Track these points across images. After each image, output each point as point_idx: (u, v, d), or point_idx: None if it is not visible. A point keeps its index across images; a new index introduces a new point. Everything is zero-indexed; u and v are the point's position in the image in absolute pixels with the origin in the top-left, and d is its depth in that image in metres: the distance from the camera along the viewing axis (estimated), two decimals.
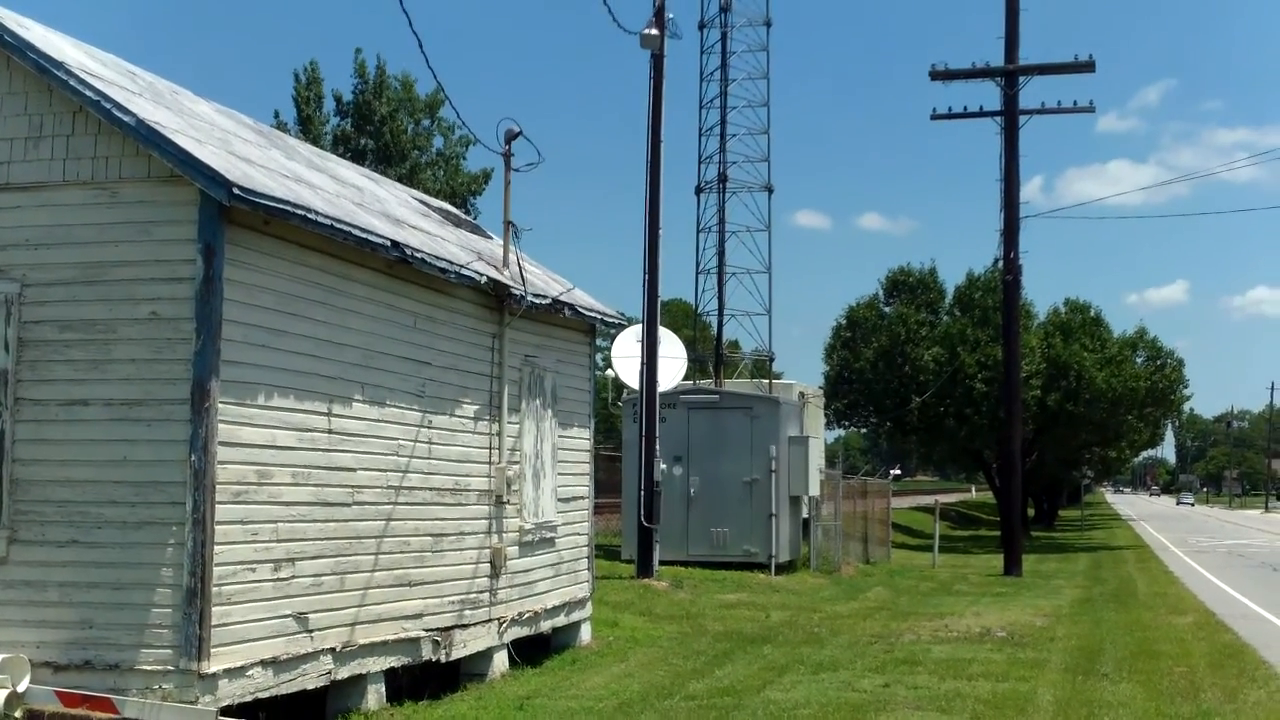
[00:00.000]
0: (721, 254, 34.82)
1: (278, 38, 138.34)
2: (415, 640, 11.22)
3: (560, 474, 14.25)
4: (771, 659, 14.14)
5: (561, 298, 14.02)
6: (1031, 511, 68.32)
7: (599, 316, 15.13)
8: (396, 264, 10.84)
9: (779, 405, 26.21)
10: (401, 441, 11.10)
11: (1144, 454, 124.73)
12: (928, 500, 63.33)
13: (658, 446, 21.78)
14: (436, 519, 11.64)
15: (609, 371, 26.26)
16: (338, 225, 9.82)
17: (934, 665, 13.56)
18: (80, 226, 9.02)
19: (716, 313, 35.14)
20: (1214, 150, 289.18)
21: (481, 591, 12.41)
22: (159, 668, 8.53)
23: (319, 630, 9.84)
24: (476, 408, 12.42)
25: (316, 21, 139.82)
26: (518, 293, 12.83)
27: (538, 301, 13.22)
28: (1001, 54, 30.04)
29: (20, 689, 8.44)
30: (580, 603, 14.95)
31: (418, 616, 11.28)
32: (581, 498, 15.00)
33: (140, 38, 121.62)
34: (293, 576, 9.57)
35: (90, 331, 8.91)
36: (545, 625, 13.99)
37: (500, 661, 12.80)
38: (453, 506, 11.94)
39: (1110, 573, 31.43)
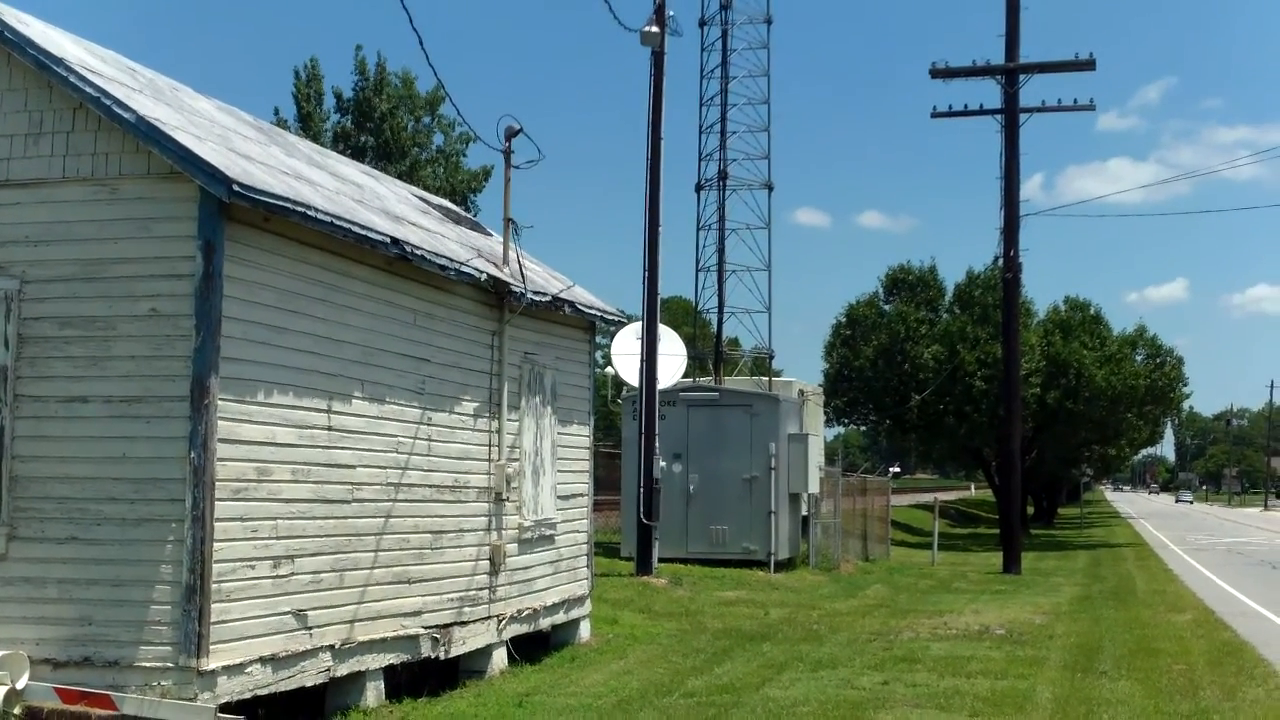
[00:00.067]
0: (721, 251, 34.77)
1: (278, 35, 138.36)
2: (414, 637, 11.22)
3: (560, 471, 14.26)
4: (770, 656, 14.14)
5: (561, 295, 14.02)
6: (1031, 509, 68.30)
7: (599, 314, 15.13)
8: (396, 261, 10.84)
9: (778, 403, 26.21)
10: (401, 439, 11.10)
11: (1143, 452, 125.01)
12: (927, 498, 63.34)
13: (657, 444, 21.79)
14: (436, 516, 11.65)
15: (609, 369, 26.29)
16: (337, 222, 9.82)
17: (933, 663, 13.57)
18: (80, 223, 9.01)
19: (716, 310, 35.08)
20: (1214, 148, 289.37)
21: (481, 589, 12.42)
22: (158, 664, 8.53)
23: (318, 627, 9.84)
24: (476, 405, 12.42)
25: (317, 18, 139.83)
26: (518, 290, 12.83)
27: (538, 299, 13.22)
28: (1002, 52, 30.03)
29: (19, 686, 8.44)
30: (579, 600, 14.96)
31: (417, 614, 11.28)
32: (581, 495, 15.01)
33: (140, 35, 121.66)
34: (292, 574, 9.57)
35: (90, 328, 8.91)
36: (544, 622, 13.99)
37: (499, 659, 12.81)
38: (452, 504, 11.94)
39: (1109, 570, 31.45)
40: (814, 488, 26.72)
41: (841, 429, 69.88)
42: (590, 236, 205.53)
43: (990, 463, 52.23)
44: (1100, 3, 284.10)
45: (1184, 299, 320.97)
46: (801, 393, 30.63)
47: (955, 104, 31.41)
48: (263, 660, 9.19)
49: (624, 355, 23.76)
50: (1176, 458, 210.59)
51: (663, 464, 22.47)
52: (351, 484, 10.36)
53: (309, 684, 9.80)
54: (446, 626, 11.74)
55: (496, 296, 12.71)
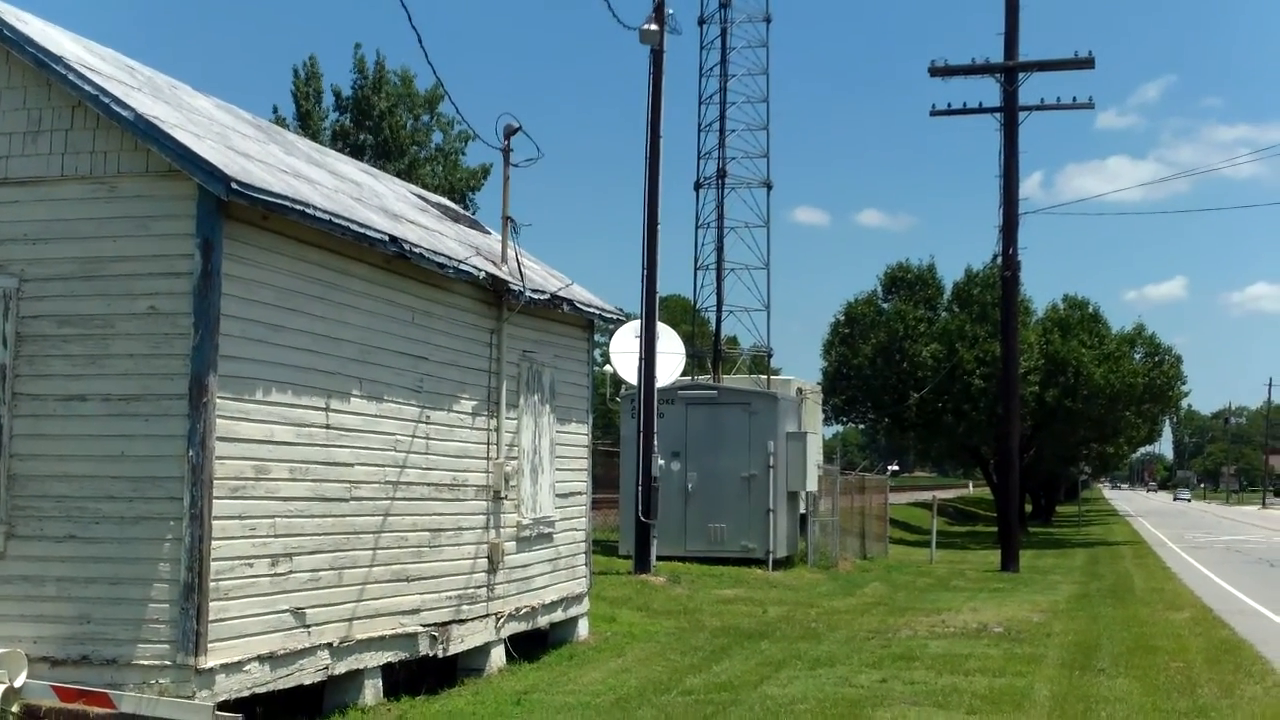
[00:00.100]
0: (720, 250, 34.76)
1: (277, 33, 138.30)
2: (413, 635, 11.22)
3: (558, 469, 14.26)
4: (769, 654, 14.15)
5: (560, 293, 14.02)
6: (1029, 507, 68.38)
7: (597, 312, 15.14)
8: (395, 259, 10.84)
9: (777, 401, 26.22)
10: (399, 437, 11.10)
11: (1142, 450, 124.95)
12: (925, 496, 63.40)
13: (656, 442, 21.79)
14: (434, 514, 11.65)
15: (607, 367, 26.29)
16: (336, 220, 9.82)
17: (931, 660, 13.57)
18: (78, 221, 9.01)
19: (715, 308, 35.06)
20: (1214, 146, 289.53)
21: (479, 587, 12.42)
22: (156, 663, 8.54)
23: (316, 625, 9.84)
24: (474, 403, 12.42)
25: (316, 17, 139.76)
26: (516, 288, 12.83)
27: (536, 297, 13.23)
28: (1001, 50, 30.06)
29: (18, 684, 8.44)
30: (578, 598, 14.96)
31: (415, 612, 11.28)
32: (579, 493, 15.01)
33: (139, 33, 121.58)
34: (290, 572, 9.58)
35: (88, 326, 8.91)
36: (543, 620, 14.00)
37: (498, 657, 12.81)
38: (450, 502, 11.94)
39: (1107, 568, 31.47)
40: (812, 486, 26.73)
41: (840, 427, 69.90)
42: (589, 235, 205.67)
43: (988, 461, 52.27)
44: (1099, 1, 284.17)
45: (1183, 297, 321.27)
46: (800, 391, 30.63)
47: (954, 102, 31.52)
48: (261, 658, 9.19)
49: (622, 353, 23.75)
50: (1175, 456, 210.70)
51: (661, 462, 22.47)
52: (350, 482, 10.37)
53: (307, 682, 9.80)
54: (445, 624, 11.74)
55: (495, 295, 12.72)
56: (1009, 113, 29.91)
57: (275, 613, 9.38)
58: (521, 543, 13.30)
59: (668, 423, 24.02)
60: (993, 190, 30.50)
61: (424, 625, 11.39)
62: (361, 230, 10.18)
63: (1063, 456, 62.44)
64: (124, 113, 8.80)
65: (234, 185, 8.60)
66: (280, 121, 41.15)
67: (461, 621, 12.05)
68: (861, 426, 63.78)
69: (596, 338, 16.32)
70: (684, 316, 48.34)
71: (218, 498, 8.77)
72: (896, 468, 70.04)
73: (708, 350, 35.79)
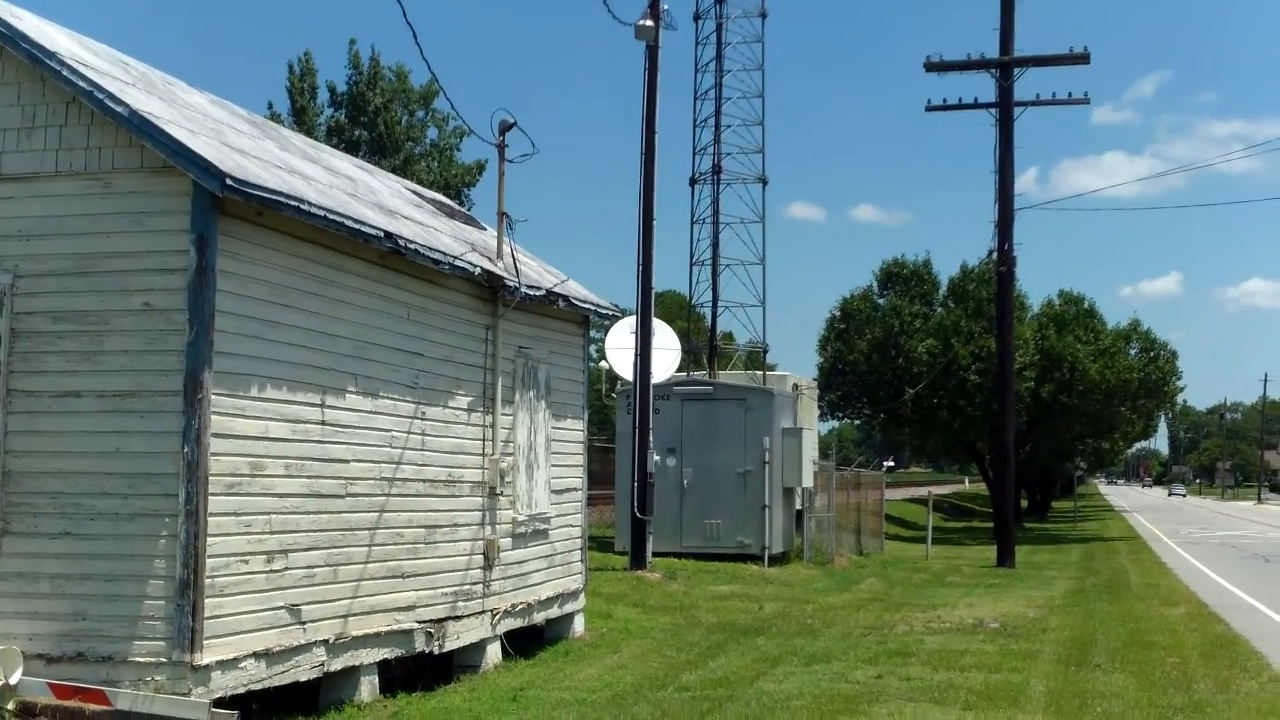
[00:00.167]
0: (716, 245, 34.79)
1: (272, 29, 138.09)
2: (408, 632, 11.22)
3: (554, 465, 14.25)
4: (765, 650, 14.15)
5: (555, 289, 14.01)
6: (1025, 503, 68.38)
7: (593, 308, 15.13)
8: (390, 255, 10.82)
9: (773, 397, 26.21)
10: (395, 433, 11.09)
11: (1137, 446, 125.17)
12: (921, 492, 63.43)
13: (651, 438, 21.79)
14: (430, 510, 11.64)
15: (603, 363, 26.23)
16: (331, 216, 9.81)
17: (927, 656, 13.58)
18: (73, 217, 9.00)
19: (710, 304, 35.11)
20: (1208, 142, 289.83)
21: (475, 583, 12.42)
22: (152, 660, 8.53)
23: (312, 622, 9.83)
24: (470, 399, 12.41)
25: (311, 12, 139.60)
26: (511, 284, 12.82)
27: (531, 293, 13.22)
28: (997, 46, 30.04)
29: (13, 681, 8.43)
30: (573, 594, 14.96)
31: (411, 608, 11.28)
32: (575, 489, 15.01)
33: (133, 29, 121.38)
34: (286, 568, 9.57)
35: (83, 323, 8.90)
36: (538, 617, 14.00)
37: (493, 653, 12.81)
38: (446, 498, 11.93)
39: (1103, 564, 31.50)
40: (808, 482, 26.73)
41: (835, 423, 70.03)
42: (584, 230, 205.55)
43: (984, 457, 52.31)
44: None
45: (1178, 293, 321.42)
46: (796, 387, 30.63)
47: (950, 98, 31.44)
48: (256, 655, 9.18)
49: (618, 349, 23.75)
50: (1170, 451, 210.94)
51: (657, 458, 22.47)
52: (345, 478, 10.35)
53: (303, 679, 9.79)
54: (440, 621, 11.73)
55: (490, 291, 12.70)
56: (1004, 108, 29.90)
57: (271, 609, 9.37)
58: (517, 539, 13.29)
59: (663, 419, 24.01)
60: (988, 186, 30.61)
61: (420, 622, 11.39)
62: (356, 226, 10.17)
63: (1058, 452, 62.50)
64: (118, 108, 8.78)
65: (229, 181, 8.59)
66: (275, 117, 41.09)
67: (457, 618, 12.04)
68: (857, 422, 63.80)
69: (592, 333, 16.32)
70: (679, 312, 48.31)
71: (213, 494, 8.76)
72: (892, 463, 70.15)
73: (703, 346, 35.81)
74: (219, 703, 8.61)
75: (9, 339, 8.99)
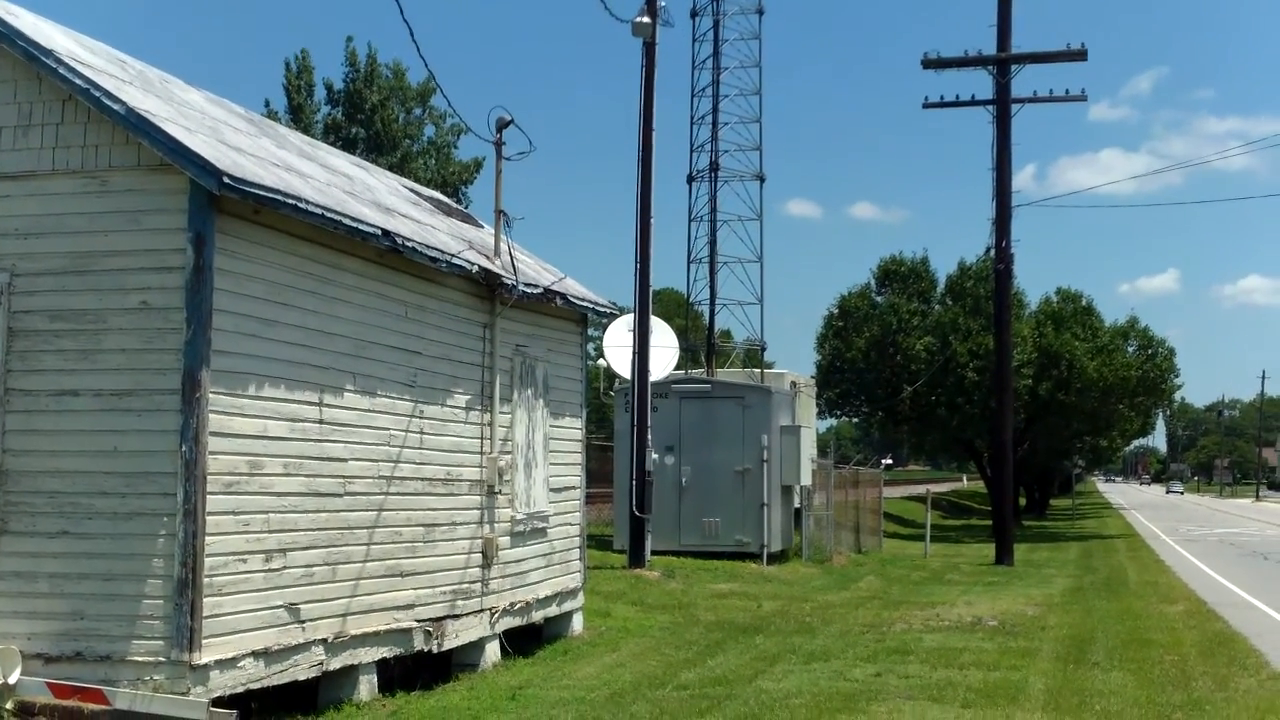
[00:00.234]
0: (713, 243, 34.78)
1: (269, 27, 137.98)
2: (407, 631, 11.20)
3: (552, 464, 14.24)
4: (763, 648, 14.14)
5: (553, 287, 14.00)
6: (1023, 501, 68.40)
7: (591, 306, 15.11)
8: (387, 253, 10.81)
9: (771, 394, 26.21)
10: (393, 431, 11.08)
11: (1135, 443, 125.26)
12: (919, 490, 63.47)
13: (649, 436, 21.78)
14: (428, 509, 11.63)
15: (601, 361, 26.24)
16: (328, 214, 9.79)
17: (926, 654, 13.57)
18: (70, 216, 8.98)
19: (708, 302, 35.12)
20: (1205, 139, 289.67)
21: (473, 582, 12.40)
22: (150, 659, 8.52)
23: (310, 621, 9.82)
24: (468, 397, 12.40)
25: (308, 10, 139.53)
26: (509, 282, 12.81)
27: (529, 291, 13.20)
28: (994, 42, 30.04)
29: (11, 681, 8.42)
30: (572, 593, 14.95)
31: (409, 607, 11.26)
32: (573, 488, 15.00)
33: (130, 27, 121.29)
34: (284, 567, 9.55)
35: (80, 321, 8.89)
36: (537, 615, 13.99)
37: (492, 652, 12.80)
38: (444, 497, 11.92)
39: (1101, 562, 31.51)
40: (806, 480, 26.73)
41: (834, 421, 70.04)
42: (582, 228, 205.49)
43: (982, 454, 52.30)
44: None
45: (1176, 290, 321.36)
46: (794, 384, 30.65)
47: (947, 95, 31.39)
48: (255, 654, 9.17)
49: (616, 347, 23.74)
50: (1168, 449, 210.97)
51: (655, 456, 22.46)
52: (343, 477, 10.34)
53: (301, 678, 9.78)
54: (439, 620, 11.72)
55: (488, 289, 12.69)
56: (1001, 105, 29.89)
57: (269, 608, 9.36)
58: (515, 537, 13.28)
59: (662, 417, 24.00)
60: (986, 183, 30.55)
61: (418, 620, 11.37)
62: (354, 224, 10.15)
63: (1056, 450, 62.52)
64: (115, 106, 8.76)
65: (226, 179, 8.57)
66: (272, 115, 41.07)
67: (456, 617, 12.03)
68: (855, 420, 63.78)
69: (590, 332, 16.31)
70: (677, 310, 48.32)
71: (211, 493, 8.75)
72: (890, 461, 70.14)
73: (701, 344, 35.81)
74: (218, 702, 8.60)
75: (6, 338, 8.97)
